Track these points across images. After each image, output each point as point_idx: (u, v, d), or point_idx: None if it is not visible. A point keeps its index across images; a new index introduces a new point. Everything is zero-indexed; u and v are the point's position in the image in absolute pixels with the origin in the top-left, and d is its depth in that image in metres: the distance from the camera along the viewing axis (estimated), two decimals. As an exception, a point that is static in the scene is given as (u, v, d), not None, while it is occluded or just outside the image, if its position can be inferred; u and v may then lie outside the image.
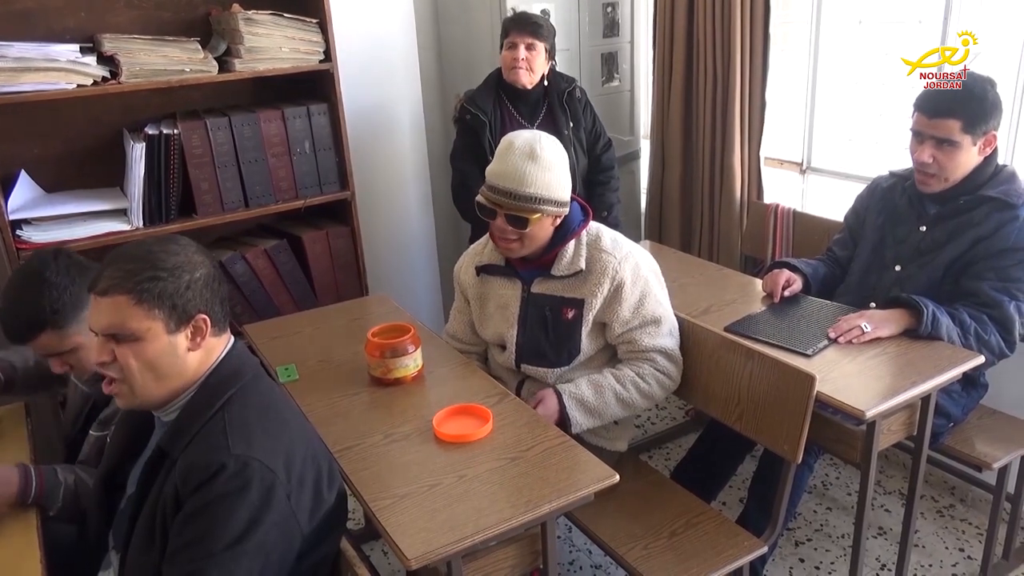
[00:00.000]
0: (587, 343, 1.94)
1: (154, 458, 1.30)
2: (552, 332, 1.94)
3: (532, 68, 2.65)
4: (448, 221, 3.61)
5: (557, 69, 2.88)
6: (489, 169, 1.87)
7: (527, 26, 2.61)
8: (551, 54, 2.70)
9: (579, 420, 1.89)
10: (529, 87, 2.68)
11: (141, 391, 1.28)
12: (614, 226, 2.78)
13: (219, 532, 1.17)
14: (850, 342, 1.96)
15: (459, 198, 2.76)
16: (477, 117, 2.66)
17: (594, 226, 1.97)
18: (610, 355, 2.01)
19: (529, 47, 2.62)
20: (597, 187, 2.85)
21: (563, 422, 1.86)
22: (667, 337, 1.95)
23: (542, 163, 1.81)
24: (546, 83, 2.74)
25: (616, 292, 1.88)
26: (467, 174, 2.68)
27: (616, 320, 1.90)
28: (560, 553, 2.47)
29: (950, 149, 1.95)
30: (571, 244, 1.92)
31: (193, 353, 1.29)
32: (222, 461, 1.19)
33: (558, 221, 1.90)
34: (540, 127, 2.72)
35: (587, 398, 1.89)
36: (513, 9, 2.86)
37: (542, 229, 1.87)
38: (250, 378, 1.33)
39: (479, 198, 1.88)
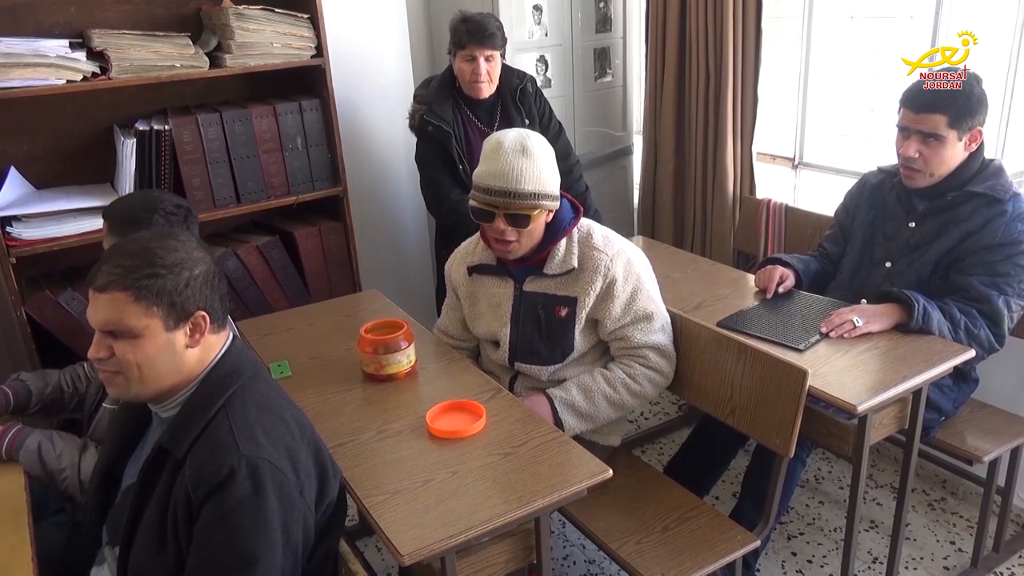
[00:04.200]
0: (580, 340, 1.94)
1: (154, 456, 1.29)
2: (545, 330, 1.94)
3: (492, 79, 2.60)
4: (441, 217, 3.60)
5: (533, 64, 2.82)
6: (479, 172, 1.85)
7: (485, 39, 2.49)
8: (503, 56, 2.63)
9: (572, 424, 1.90)
10: (487, 97, 2.62)
11: (138, 386, 1.27)
12: (592, 215, 2.74)
13: (245, 541, 1.17)
14: (841, 336, 1.97)
15: (435, 205, 2.69)
16: (441, 128, 2.57)
17: (585, 223, 1.97)
18: (603, 351, 2.01)
19: (488, 59, 2.54)
20: (563, 179, 2.75)
21: (557, 426, 1.86)
22: (659, 333, 1.95)
23: (534, 158, 1.81)
24: (497, 85, 2.65)
25: (608, 289, 1.88)
26: (441, 182, 2.62)
27: (608, 317, 1.90)
28: (554, 548, 2.47)
29: (935, 144, 1.96)
30: (563, 242, 1.92)
31: (192, 350, 1.28)
32: (231, 464, 1.19)
33: (551, 216, 1.90)
34: (499, 130, 2.66)
35: (578, 403, 1.90)
36: (461, 11, 2.62)
37: (539, 225, 1.88)
38: (249, 375, 1.33)
39: (472, 203, 1.87)
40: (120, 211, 1.75)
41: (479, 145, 2.45)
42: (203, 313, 1.28)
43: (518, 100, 2.69)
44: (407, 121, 2.70)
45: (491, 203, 1.83)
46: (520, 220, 1.83)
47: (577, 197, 2.74)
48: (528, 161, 1.80)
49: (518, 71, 2.76)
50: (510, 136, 1.84)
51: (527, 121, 2.71)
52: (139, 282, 1.22)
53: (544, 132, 2.76)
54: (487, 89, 2.60)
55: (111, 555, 1.42)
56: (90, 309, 1.26)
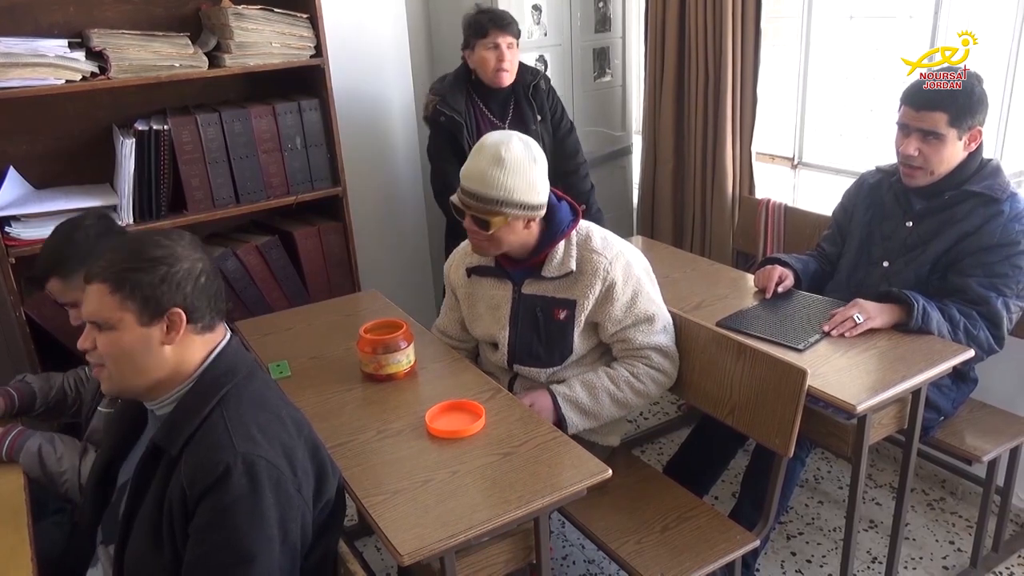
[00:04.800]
0: (579, 343, 1.94)
1: (149, 454, 1.29)
2: (544, 333, 1.94)
3: (512, 69, 2.64)
4: (440, 217, 3.60)
5: (533, 63, 2.87)
6: (463, 168, 1.86)
7: (507, 26, 2.57)
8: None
9: (575, 421, 1.89)
10: (508, 84, 2.67)
11: (120, 379, 1.28)
12: (595, 213, 2.79)
13: (242, 539, 1.18)
14: (843, 335, 1.96)
15: (443, 196, 2.72)
16: (453, 119, 2.61)
17: (584, 225, 1.96)
18: (602, 353, 2.01)
19: (509, 47, 2.60)
20: (569, 176, 2.81)
21: (559, 423, 1.86)
22: (661, 334, 1.95)
23: (507, 167, 1.78)
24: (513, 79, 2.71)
25: (608, 292, 1.88)
26: (449, 173, 2.62)
27: (609, 320, 1.90)
28: (553, 548, 2.47)
29: (935, 142, 1.96)
30: (561, 245, 1.91)
31: (169, 347, 1.28)
32: (227, 462, 1.19)
33: (532, 224, 1.87)
34: (511, 125, 2.71)
35: (581, 400, 1.89)
36: (478, 4, 2.76)
37: (511, 232, 1.84)
38: (245, 375, 1.33)
39: (453, 198, 1.87)
40: (54, 257, 1.73)
41: None
42: (179, 310, 1.27)
43: (531, 96, 2.73)
44: (422, 113, 2.74)
45: (463, 202, 1.84)
46: (482, 223, 1.82)
47: (581, 195, 2.78)
48: (499, 169, 1.77)
49: (532, 68, 2.81)
50: (492, 139, 1.82)
51: (539, 117, 2.74)
52: (117, 275, 1.24)
53: (555, 129, 2.81)
54: (509, 77, 2.64)
55: (105, 554, 1.43)
56: (83, 301, 1.28)
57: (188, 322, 1.28)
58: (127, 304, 1.24)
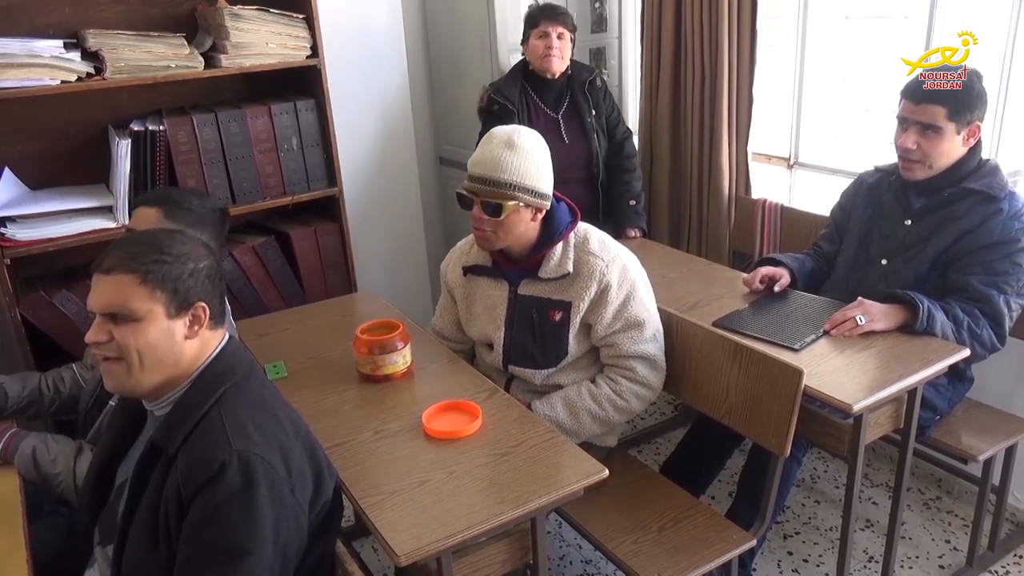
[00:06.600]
0: (574, 345, 1.93)
1: (147, 454, 1.29)
2: (539, 334, 1.93)
3: (563, 56, 2.74)
4: (437, 217, 3.60)
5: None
6: (470, 158, 1.87)
7: (557, 16, 2.71)
8: (574, 44, 2.81)
9: None
10: (558, 74, 2.76)
11: (135, 374, 1.26)
12: (640, 214, 2.91)
13: (235, 535, 1.17)
14: (843, 335, 1.96)
15: None
16: (505, 107, 2.70)
17: (582, 227, 1.95)
18: (597, 356, 2.00)
19: (559, 36, 2.71)
20: (623, 174, 2.93)
21: None
22: (650, 343, 1.94)
23: (519, 151, 1.80)
24: (568, 72, 2.82)
25: (602, 294, 1.87)
26: None
27: (600, 322, 1.89)
28: (550, 548, 2.47)
29: (934, 136, 1.96)
30: (559, 246, 1.90)
31: (190, 342, 1.28)
32: (223, 459, 1.19)
33: (538, 216, 1.88)
34: (564, 116, 2.82)
35: (562, 420, 1.90)
36: (536, 2, 2.93)
37: (520, 221, 1.85)
38: (243, 374, 1.33)
39: (459, 189, 1.88)
40: (175, 196, 1.85)
41: (543, 128, 2.56)
42: (203, 305, 1.29)
43: (587, 91, 2.84)
44: (476, 105, 2.83)
45: (472, 190, 1.84)
46: (494, 209, 1.81)
47: (634, 195, 2.92)
48: (510, 153, 1.80)
49: (588, 66, 2.96)
50: (503, 129, 1.85)
51: (593, 112, 2.85)
52: (146, 265, 1.24)
53: (612, 129, 2.93)
54: (558, 63, 2.75)
55: (102, 555, 1.42)
56: (92, 293, 1.26)
57: (208, 317, 1.30)
58: (157, 295, 1.24)
